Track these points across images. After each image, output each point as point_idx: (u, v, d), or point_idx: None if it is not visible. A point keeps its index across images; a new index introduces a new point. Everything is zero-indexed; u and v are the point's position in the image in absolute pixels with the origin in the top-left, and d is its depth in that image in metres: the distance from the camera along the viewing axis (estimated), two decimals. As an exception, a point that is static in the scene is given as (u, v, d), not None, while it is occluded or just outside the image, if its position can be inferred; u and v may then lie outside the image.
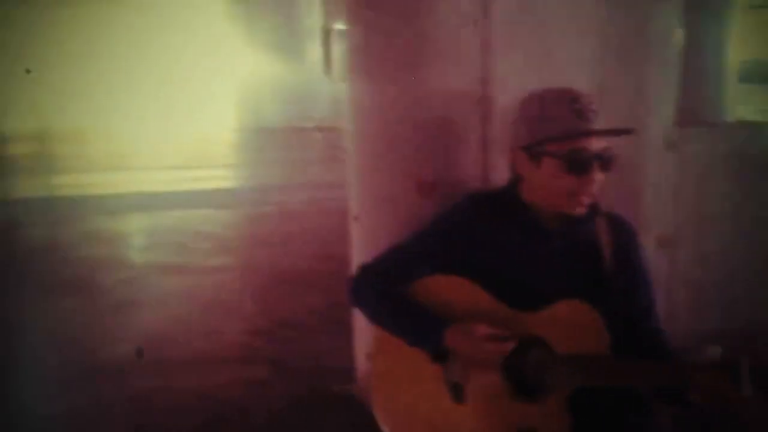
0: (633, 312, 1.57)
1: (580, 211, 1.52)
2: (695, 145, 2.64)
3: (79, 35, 13.60)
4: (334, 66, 12.73)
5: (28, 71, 11.98)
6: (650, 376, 1.40)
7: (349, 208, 2.36)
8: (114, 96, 12.66)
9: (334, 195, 2.78)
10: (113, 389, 2.96)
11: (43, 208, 6.65)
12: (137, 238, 5.74)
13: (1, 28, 12.09)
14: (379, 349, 1.67)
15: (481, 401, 1.51)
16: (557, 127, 1.47)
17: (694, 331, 2.66)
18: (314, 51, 13.05)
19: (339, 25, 12.23)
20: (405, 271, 1.64)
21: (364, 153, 2.24)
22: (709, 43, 4.94)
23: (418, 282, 1.62)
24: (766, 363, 1.24)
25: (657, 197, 2.23)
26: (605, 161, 1.47)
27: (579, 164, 1.46)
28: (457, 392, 1.53)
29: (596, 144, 1.47)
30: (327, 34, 12.93)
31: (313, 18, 12.93)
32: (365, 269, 1.72)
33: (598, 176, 1.47)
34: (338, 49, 12.51)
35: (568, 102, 1.48)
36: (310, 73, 12.84)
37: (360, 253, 2.24)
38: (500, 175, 1.76)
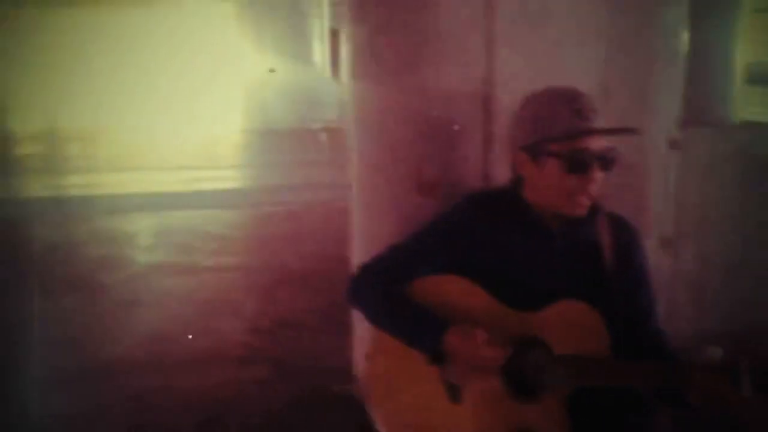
0: (633, 312, 1.56)
1: (580, 212, 1.52)
2: (699, 145, 2.63)
3: (88, 36, 13.70)
4: (341, 68, 12.73)
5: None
6: (650, 376, 1.40)
7: (350, 208, 2.36)
8: (122, 97, 12.71)
9: (341, 195, 2.78)
10: (113, 389, 2.97)
11: (50, 208, 6.67)
12: (144, 237, 5.75)
13: (11, 29, 12.15)
14: (377, 349, 1.67)
15: (480, 402, 1.50)
16: (557, 127, 1.47)
17: (695, 331, 2.65)
18: (321, 53, 13.07)
19: (346, 27, 12.22)
20: (405, 270, 1.63)
21: (366, 152, 2.24)
22: (716, 45, 4.92)
23: (418, 282, 1.61)
24: (766, 363, 1.23)
25: (659, 198, 2.22)
26: (607, 161, 1.47)
27: (579, 164, 1.46)
28: (454, 392, 1.52)
29: (597, 144, 1.46)
30: (334, 35, 12.94)
31: (321, 20, 12.95)
32: (365, 269, 1.71)
33: (598, 175, 1.47)
34: (345, 51, 12.48)
35: (568, 101, 1.47)
36: (317, 74, 12.86)
37: (360, 253, 2.24)
38: (502, 176, 1.76)
